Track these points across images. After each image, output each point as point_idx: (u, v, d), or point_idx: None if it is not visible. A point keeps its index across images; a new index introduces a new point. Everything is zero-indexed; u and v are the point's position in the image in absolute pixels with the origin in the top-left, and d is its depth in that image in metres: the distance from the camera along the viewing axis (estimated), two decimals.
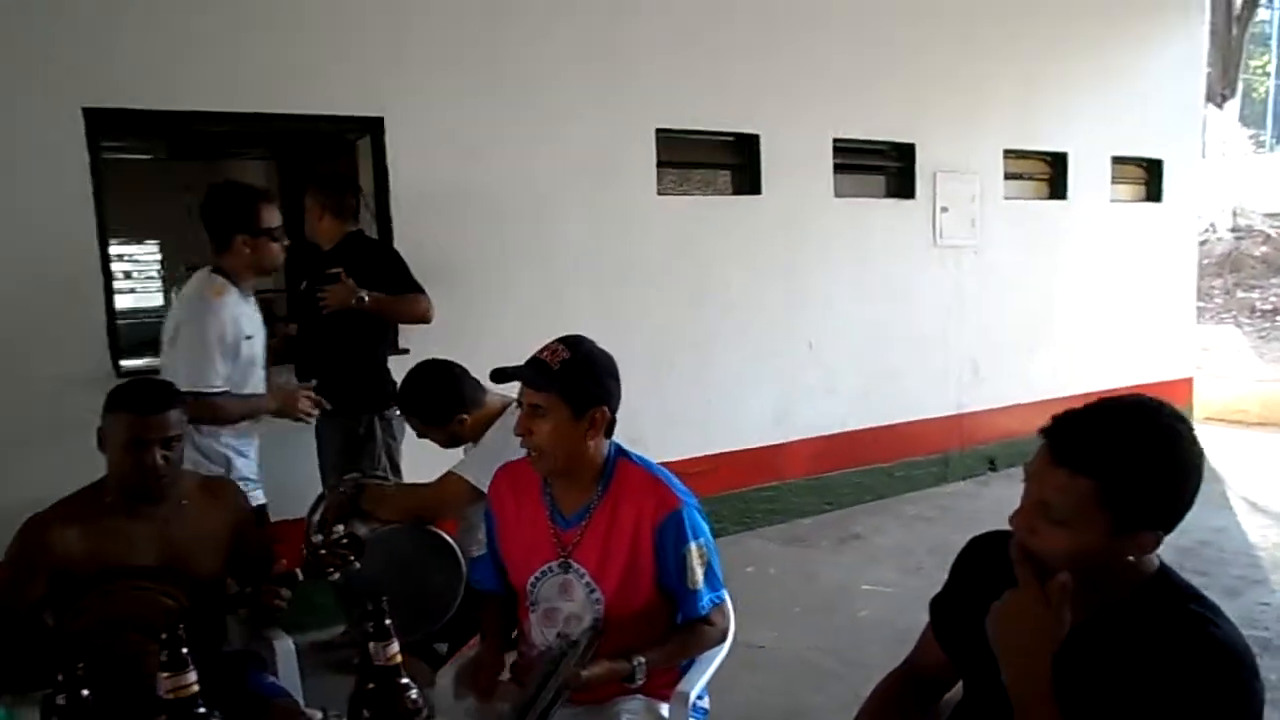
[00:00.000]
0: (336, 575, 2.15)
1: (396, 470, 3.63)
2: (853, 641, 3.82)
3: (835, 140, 5.55)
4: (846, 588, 4.46)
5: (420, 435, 2.75)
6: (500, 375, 2.10)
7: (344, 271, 3.44)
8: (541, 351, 1.97)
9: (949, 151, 6.05)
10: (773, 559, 4.90)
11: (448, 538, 2.53)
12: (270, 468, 3.75)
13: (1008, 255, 6.41)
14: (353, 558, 2.16)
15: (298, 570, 2.15)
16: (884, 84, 5.73)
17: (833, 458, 5.71)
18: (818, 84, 5.46)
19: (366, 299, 3.44)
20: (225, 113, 3.88)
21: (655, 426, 4.45)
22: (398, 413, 3.66)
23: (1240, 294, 13.58)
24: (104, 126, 3.63)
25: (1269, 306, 12.95)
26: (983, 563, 1.57)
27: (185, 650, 1.24)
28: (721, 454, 5.17)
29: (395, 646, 1.29)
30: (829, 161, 5.55)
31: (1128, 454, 1.31)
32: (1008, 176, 6.45)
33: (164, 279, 8.57)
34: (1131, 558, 1.37)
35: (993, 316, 6.36)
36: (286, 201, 6.54)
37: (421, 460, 3.16)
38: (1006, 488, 5.96)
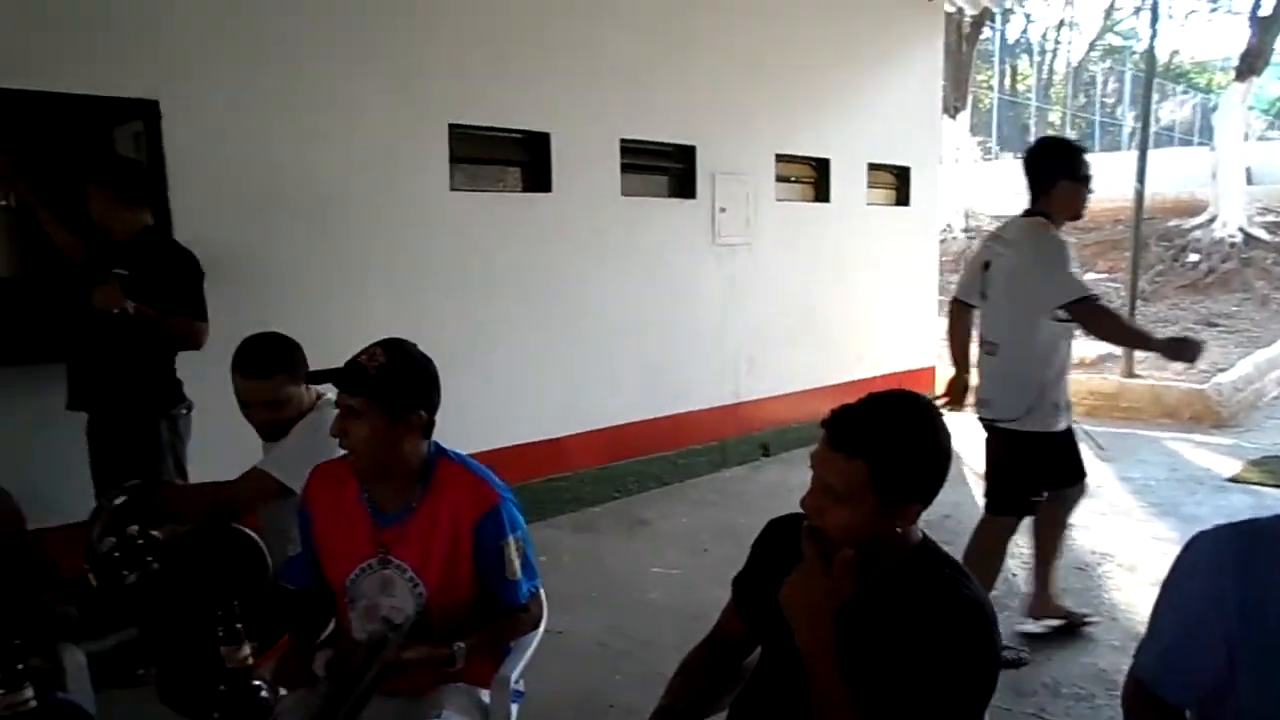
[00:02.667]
0: (133, 578, 2.06)
1: (183, 473, 3.45)
2: (645, 622, 4.02)
3: (622, 140, 5.74)
4: (637, 572, 4.67)
5: (245, 404, 2.57)
6: (316, 377, 2.10)
7: (129, 273, 3.23)
8: (360, 355, 1.99)
9: (727, 154, 6.39)
10: (565, 547, 5.04)
11: (250, 533, 2.44)
12: (30, 468, 3.50)
13: (778, 253, 6.85)
14: (150, 559, 2.08)
15: (90, 576, 2.04)
16: (669, 89, 5.99)
17: (619, 448, 5.92)
18: (607, 86, 5.63)
19: (132, 310, 3.20)
20: None
21: (450, 419, 4.45)
22: (185, 411, 3.51)
23: None
24: None
25: None
26: (778, 542, 1.77)
27: (20, 666, 1.20)
28: (514, 446, 5.25)
29: (247, 649, 1.31)
30: (616, 161, 5.74)
31: (892, 438, 1.55)
32: (778, 179, 6.89)
33: None
34: (900, 529, 1.61)
35: (764, 311, 6.78)
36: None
37: (210, 462, 3.06)
38: (779, 471, 6.40)
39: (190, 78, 4.00)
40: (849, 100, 7.43)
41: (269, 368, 2.51)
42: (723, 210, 6.41)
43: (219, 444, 2.84)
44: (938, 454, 1.58)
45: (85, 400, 3.45)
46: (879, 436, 1.54)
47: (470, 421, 4.91)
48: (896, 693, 1.51)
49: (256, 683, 1.34)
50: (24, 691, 1.21)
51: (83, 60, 3.72)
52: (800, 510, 1.64)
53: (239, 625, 1.31)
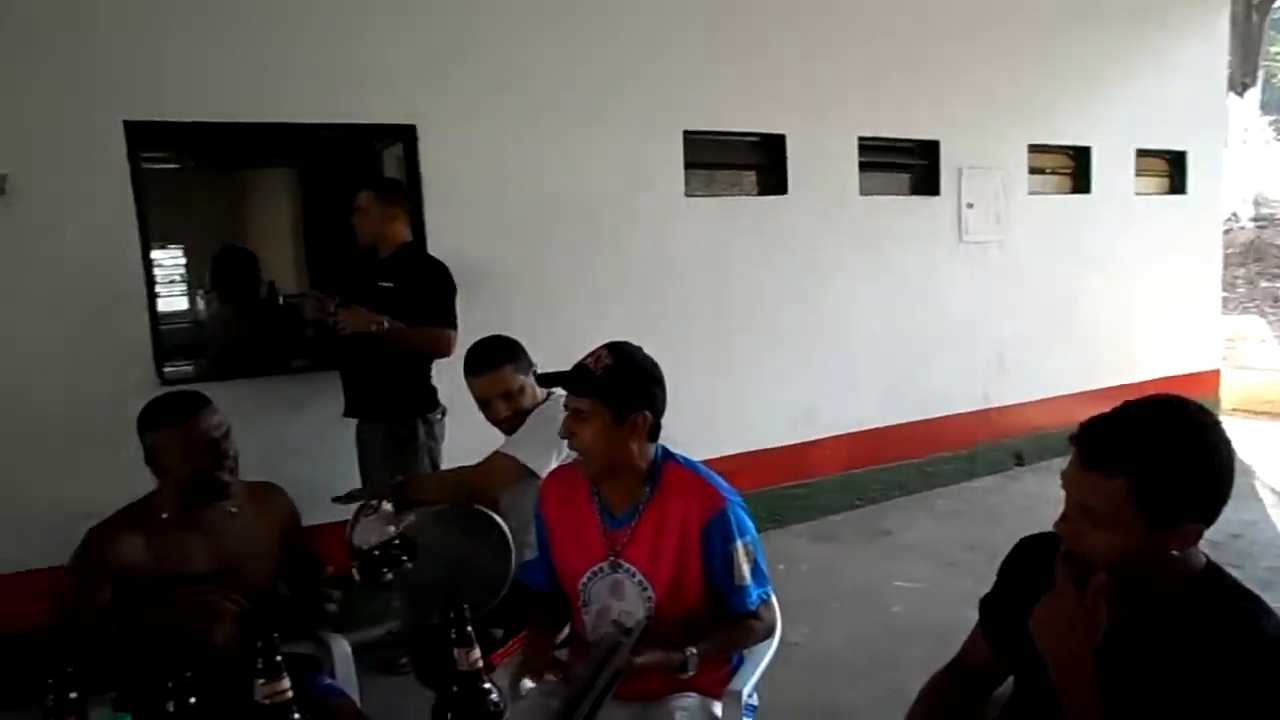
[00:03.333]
0: (390, 576, 2.19)
1: None
2: (887, 637, 3.86)
3: (860, 138, 5.57)
4: (878, 584, 4.49)
5: (484, 402, 2.75)
6: (546, 380, 2.16)
7: (393, 285, 3.51)
8: (586, 358, 2.03)
9: (973, 148, 6.05)
10: (804, 556, 4.93)
11: (495, 516, 2.55)
12: (308, 469, 3.83)
13: (1032, 250, 6.41)
14: (405, 558, 2.20)
15: (354, 573, 2.20)
16: (908, 82, 5.74)
17: (861, 454, 5.74)
18: (843, 83, 5.49)
19: (387, 326, 3.44)
20: (256, 123, 3.95)
21: (685, 426, 4.44)
22: (439, 415, 3.74)
23: (1264, 283, 13.47)
24: (143, 138, 3.69)
25: None
26: (1030, 563, 1.60)
27: (279, 657, 1.29)
28: (751, 452, 5.20)
29: (477, 652, 1.34)
30: (854, 160, 5.57)
31: (1155, 450, 1.35)
32: (1031, 171, 6.45)
33: (189, 284, 8.66)
34: (1176, 552, 1.41)
35: (1018, 311, 6.36)
36: (310, 209, 6.60)
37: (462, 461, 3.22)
38: (1033, 481, 5.98)
39: (443, 102, 4.26)
40: (1113, 81, 6.80)
41: (494, 361, 2.71)
42: (970, 206, 6.07)
43: (470, 448, 2.98)
44: (1212, 464, 1.37)
45: (356, 407, 3.77)
46: (1140, 448, 1.35)
47: (707, 427, 4.92)
48: None
49: (487, 685, 1.36)
50: (282, 681, 1.29)
51: (352, 92, 4.04)
52: (1037, 521, 1.48)
53: (470, 628, 1.34)
